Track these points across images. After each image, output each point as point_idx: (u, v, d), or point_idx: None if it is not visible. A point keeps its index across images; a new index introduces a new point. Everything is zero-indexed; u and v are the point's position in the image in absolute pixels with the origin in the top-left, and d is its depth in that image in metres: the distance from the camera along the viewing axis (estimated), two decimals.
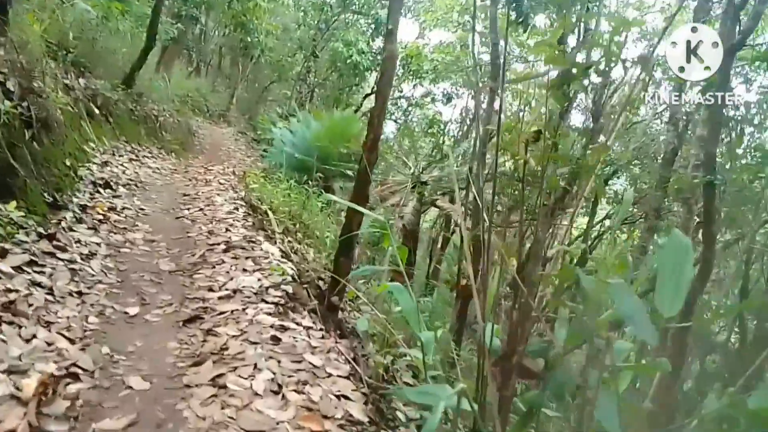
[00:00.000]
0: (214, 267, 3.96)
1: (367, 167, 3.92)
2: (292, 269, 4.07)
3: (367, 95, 19.95)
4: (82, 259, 3.63)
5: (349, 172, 10.27)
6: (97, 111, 7.50)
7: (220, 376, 2.38)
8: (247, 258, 4.12)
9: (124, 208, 5.03)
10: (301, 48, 16.70)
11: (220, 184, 7.14)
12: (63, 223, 4.01)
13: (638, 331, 1.66)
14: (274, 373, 2.39)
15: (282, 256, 4.42)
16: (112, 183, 5.55)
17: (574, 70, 2.17)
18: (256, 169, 11.31)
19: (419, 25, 19.26)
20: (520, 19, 9.86)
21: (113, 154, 6.89)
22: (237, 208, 5.77)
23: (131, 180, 6.13)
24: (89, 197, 4.88)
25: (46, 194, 4.24)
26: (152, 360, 2.59)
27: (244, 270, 3.86)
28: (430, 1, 16.54)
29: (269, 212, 6.22)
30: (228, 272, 3.83)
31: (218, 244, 4.45)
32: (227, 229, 4.89)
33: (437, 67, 14.55)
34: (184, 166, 8.66)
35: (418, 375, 3.75)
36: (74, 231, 4.00)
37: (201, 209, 5.61)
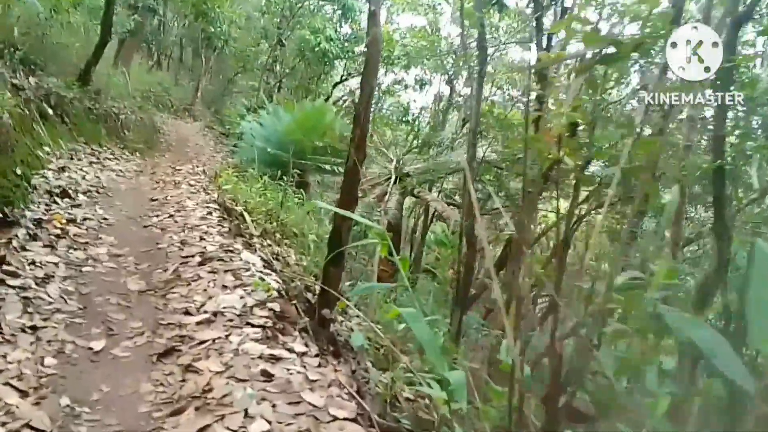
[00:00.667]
0: (189, 284, 3.55)
1: (356, 165, 3.56)
2: (277, 282, 3.69)
3: (336, 83, 19.44)
4: (36, 284, 3.19)
5: (327, 166, 9.88)
6: (51, 111, 6.94)
7: (204, 428, 2.01)
8: (226, 271, 3.71)
9: (85, 219, 4.56)
10: (266, 37, 16.08)
11: (191, 185, 6.67)
12: (14, 243, 3.55)
13: (728, 372, 1.35)
14: (269, 422, 2.02)
15: (264, 266, 4.03)
16: (70, 191, 5.06)
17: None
18: (227, 166, 10.83)
19: (386, 9, 18.80)
20: (494, 1, 9.55)
21: (71, 158, 6.36)
22: (210, 213, 5.33)
23: (92, 186, 5.63)
24: (45, 209, 4.40)
25: None
26: (122, 410, 2.20)
27: (224, 287, 3.46)
28: None
29: (245, 214, 5.80)
30: (206, 290, 3.42)
31: (192, 256, 4.03)
32: (201, 238, 4.46)
33: (409, 53, 14.12)
34: (151, 166, 8.14)
35: (414, 383, 3.43)
36: (28, 251, 3.55)
37: (171, 215, 5.16)
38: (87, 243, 4.10)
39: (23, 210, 4.12)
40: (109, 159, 7.46)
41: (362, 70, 3.65)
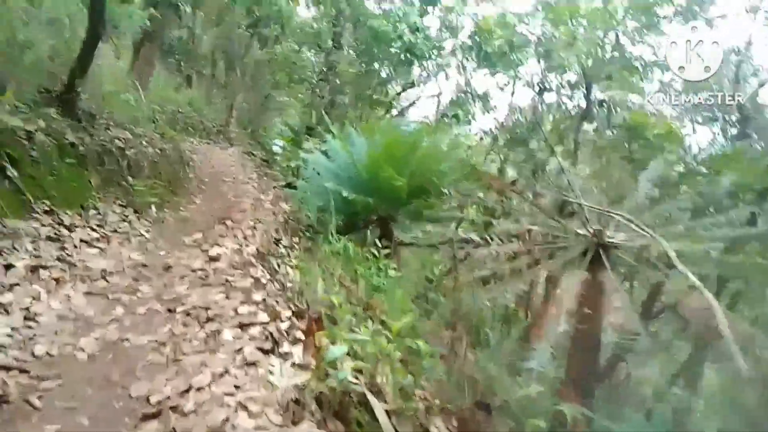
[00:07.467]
0: None
1: None
2: None
3: (400, 91, 15.71)
4: None
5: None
6: None
7: None
8: None
9: None
10: (319, 37, 12.53)
11: (242, 323, 2.99)
12: None
13: None
14: None
15: None
16: None
17: None
18: (285, 217, 7.39)
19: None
20: None
21: None
22: None
23: (17, 361, 2.17)
24: None
25: None
26: None
27: None
28: None
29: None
30: None
31: None
32: None
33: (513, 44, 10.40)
34: (167, 247, 4.64)
35: None
36: None
37: None
38: None
39: None
40: (88, 241, 4.01)
41: None
